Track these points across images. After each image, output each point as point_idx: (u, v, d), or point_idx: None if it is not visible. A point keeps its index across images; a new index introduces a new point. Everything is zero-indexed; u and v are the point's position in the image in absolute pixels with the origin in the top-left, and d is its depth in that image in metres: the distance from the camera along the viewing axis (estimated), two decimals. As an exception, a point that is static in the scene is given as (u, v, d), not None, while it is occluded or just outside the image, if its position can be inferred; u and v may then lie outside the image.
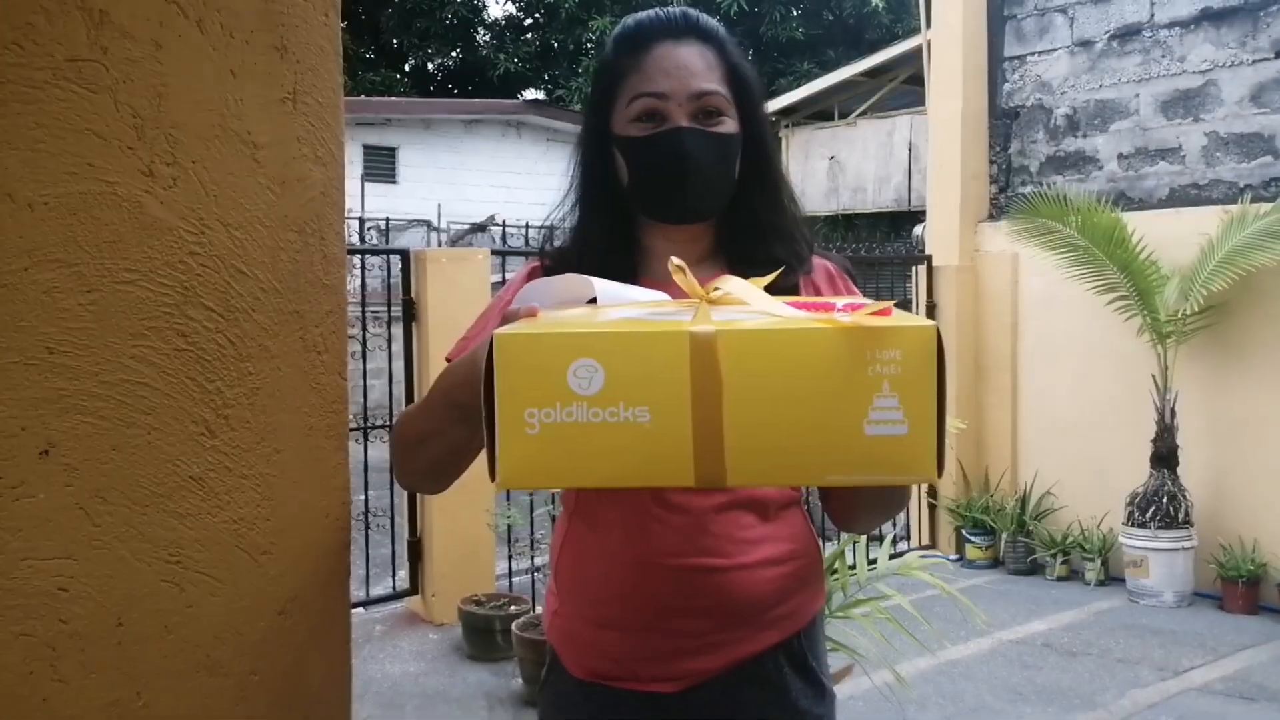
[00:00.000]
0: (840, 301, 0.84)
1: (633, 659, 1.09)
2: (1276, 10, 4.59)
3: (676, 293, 1.15)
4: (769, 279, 0.94)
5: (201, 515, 0.99)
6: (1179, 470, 4.54)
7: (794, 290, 1.14)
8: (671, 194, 1.12)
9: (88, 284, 0.93)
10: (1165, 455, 4.53)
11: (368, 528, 3.65)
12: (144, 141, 0.95)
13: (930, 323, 0.76)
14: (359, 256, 3.82)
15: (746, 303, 0.86)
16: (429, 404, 1.08)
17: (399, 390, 3.97)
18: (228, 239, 1.01)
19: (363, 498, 3.65)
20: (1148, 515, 4.50)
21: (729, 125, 1.11)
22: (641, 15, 1.15)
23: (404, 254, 3.64)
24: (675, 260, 0.91)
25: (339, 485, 1.10)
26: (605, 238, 1.16)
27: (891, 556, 3.00)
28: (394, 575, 3.80)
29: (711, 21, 1.15)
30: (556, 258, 1.19)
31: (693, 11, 1.15)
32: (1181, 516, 4.48)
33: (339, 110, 1.10)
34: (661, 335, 0.78)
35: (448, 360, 1.20)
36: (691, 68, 1.10)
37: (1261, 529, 4.50)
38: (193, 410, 0.99)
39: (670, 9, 1.15)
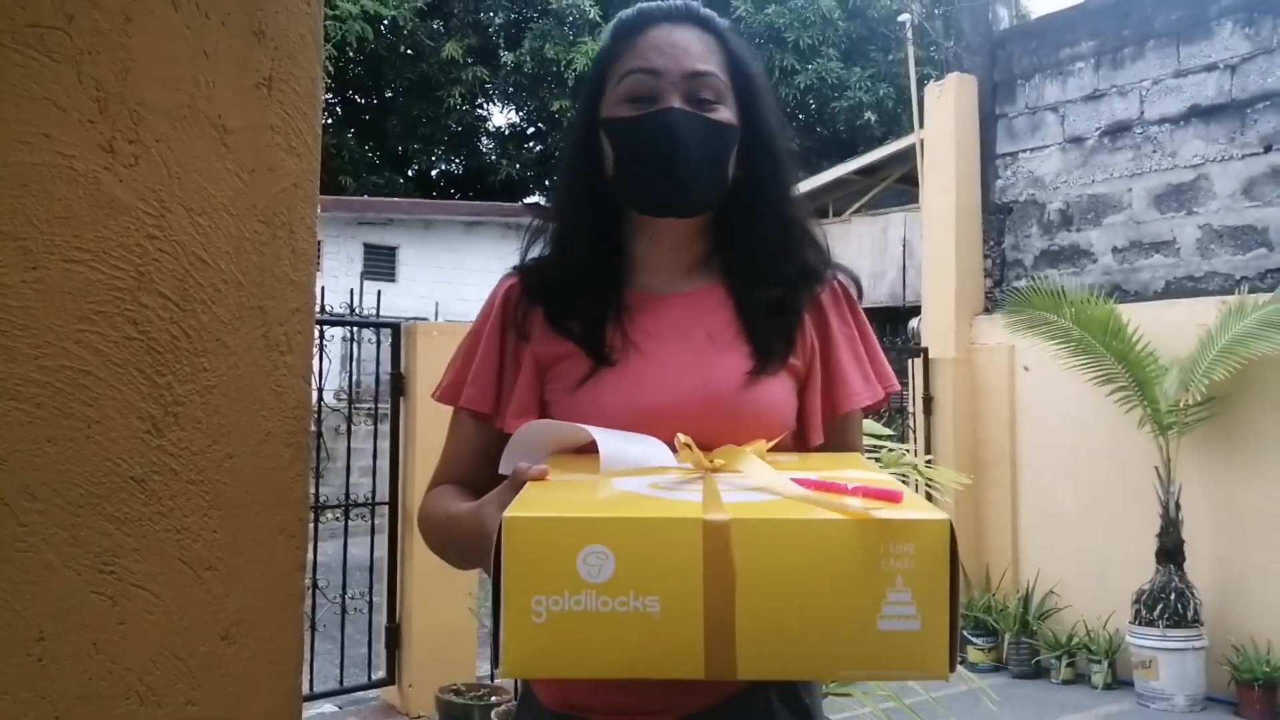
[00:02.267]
0: (850, 482, 0.81)
1: (610, 689, 0.98)
2: (1263, 107, 4.67)
3: (662, 309, 1.08)
4: (766, 447, 0.93)
5: (142, 521, 0.90)
6: (1185, 566, 4.41)
7: (800, 310, 1.06)
8: (658, 180, 1.02)
9: (34, 260, 0.86)
10: (1171, 550, 4.40)
11: (344, 612, 3.49)
12: (106, 116, 0.90)
13: (944, 516, 0.76)
14: (350, 329, 3.76)
15: (748, 475, 0.85)
16: (441, 535, 1.03)
17: (384, 461, 3.86)
18: (190, 224, 0.95)
19: (340, 580, 3.51)
20: (1155, 613, 4.35)
21: (725, 114, 1.04)
22: (643, 3, 1.10)
23: (394, 326, 3.59)
24: (682, 437, 0.89)
25: (297, 498, 1.01)
26: (588, 244, 1.08)
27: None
28: (370, 664, 3.63)
29: (715, 14, 1.09)
30: (534, 270, 1.12)
31: (695, 2, 1.10)
32: (1191, 615, 4.33)
33: (317, 100, 1.05)
34: (674, 522, 0.77)
35: (435, 398, 1.13)
36: (688, 48, 1.03)
37: (1275, 629, 4.34)
38: (139, 405, 0.91)
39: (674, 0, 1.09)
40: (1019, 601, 5.18)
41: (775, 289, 1.05)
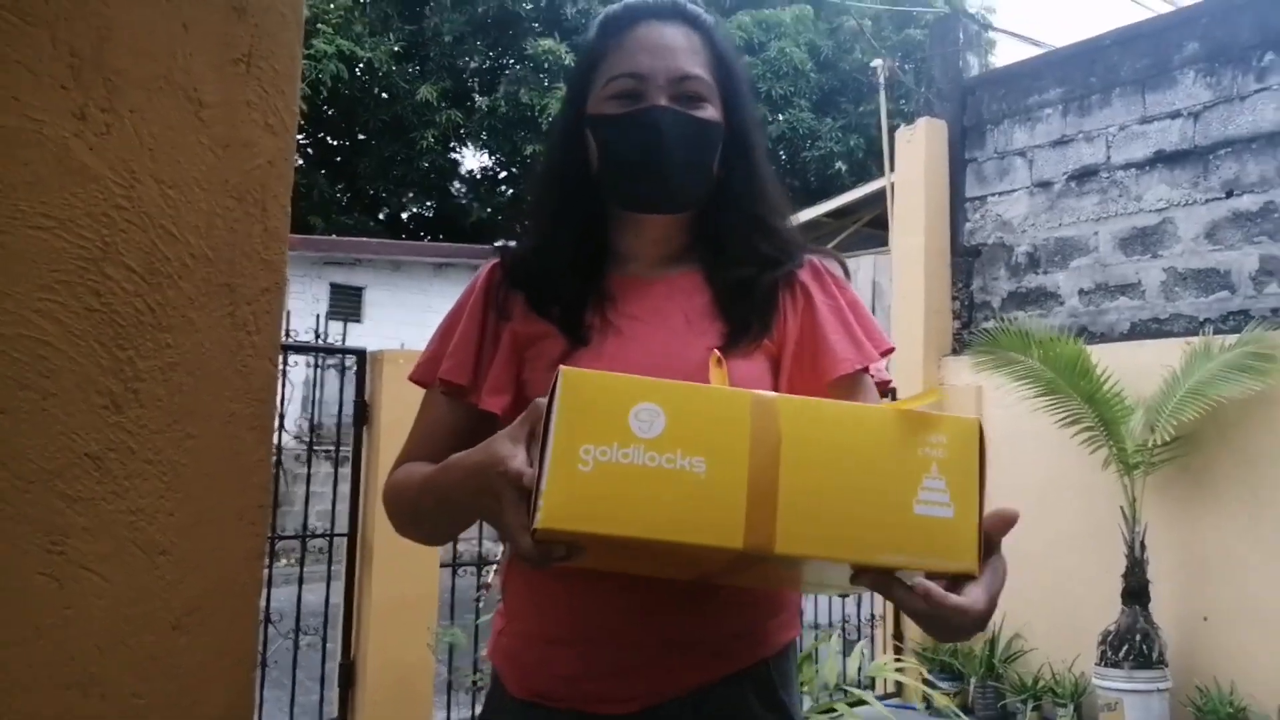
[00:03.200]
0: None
1: (581, 677, 0.95)
2: (1225, 153, 4.78)
3: (642, 294, 1.07)
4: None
5: (95, 501, 0.86)
6: (1151, 607, 4.41)
7: (774, 291, 1.06)
8: (643, 178, 1.03)
9: (-6, 224, 0.83)
10: (1136, 591, 4.41)
11: (297, 647, 3.38)
12: (79, 83, 0.88)
13: (975, 417, 0.80)
14: (314, 355, 3.70)
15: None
16: (424, 492, 1.00)
17: (344, 506, 3.78)
18: (159, 196, 0.92)
19: (295, 604, 3.40)
20: (1120, 654, 4.34)
21: (711, 112, 1.05)
22: (629, 0, 1.10)
23: (360, 353, 3.54)
24: (716, 353, 0.89)
25: (258, 484, 0.98)
26: (572, 231, 1.08)
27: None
28: (322, 706, 3.51)
29: (699, 9, 1.10)
30: (519, 258, 1.11)
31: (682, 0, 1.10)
32: (1156, 656, 4.33)
33: (295, 79, 1.03)
34: (726, 392, 0.80)
35: (412, 379, 1.12)
36: (675, 48, 1.04)
37: (1238, 670, 4.34)
38: (99, 379, 0.88)
39: None
40: (985, 645, 5.16)
41: (748, 270, 1.05)
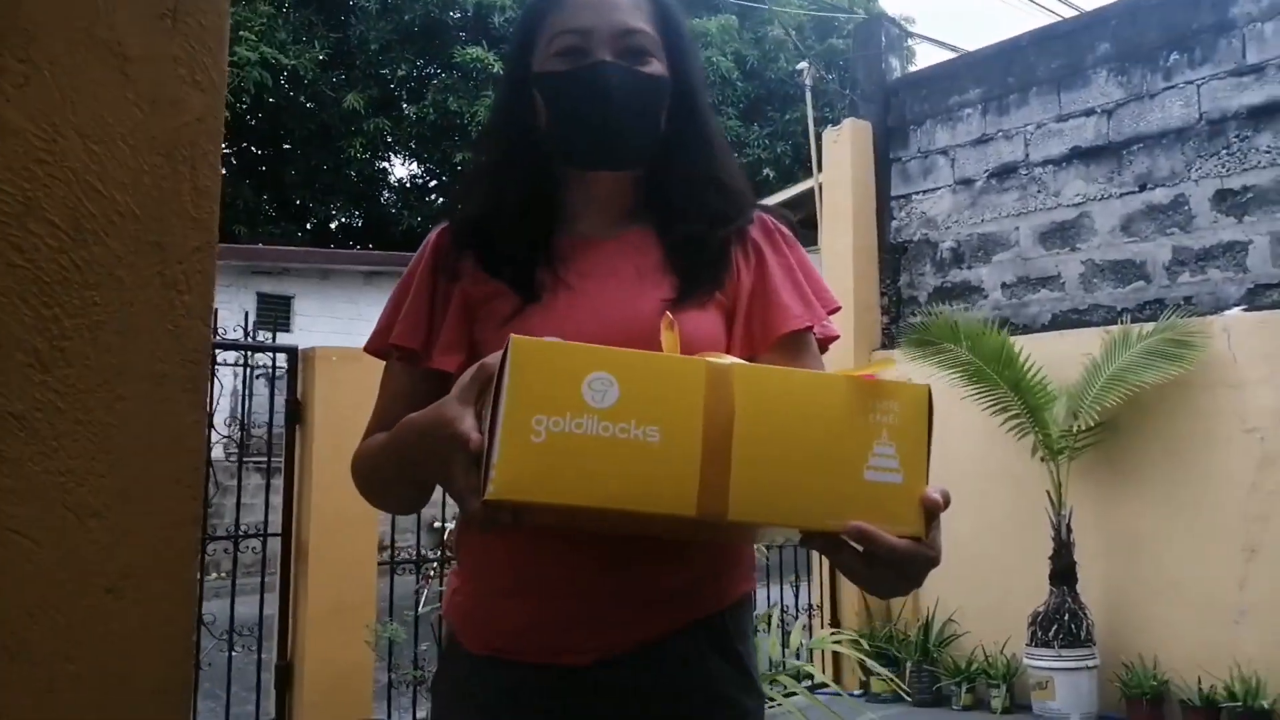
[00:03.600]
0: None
1: (537, 629, 0.95)
2: (1137, 149, 4.96)
3: (593, 252, 1.08)
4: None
5: (22, 462, 0.84)
6: (1078, 588, 4.54)
7: (726, 246, 1.07)
8: (591, 132, 1.03)
9: (-94, 176, 0.80)
10: (1063, 572, 4.54)
11: (231, 648, 3.31)
12: (-7, 33, 0.85)
13: (924, 384, 0.82)
14: (243, 353, 3.63)
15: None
16: (383, 456, 1.01)
17: (276, 516, 3.70)
18: (84, 151, 0.90)
19: (228, 612, 3.33)
20: (1050, 634, 4.46)
21: (656, 67, 1.05)
22: None
23: (291, 351, 3.48)
24: (669, 315, 0.89)
25: (193, 447, 0.95)
26: (521, 191, 1.08)
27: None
28: (258, 705, 3.44)
29: None
30: (468, 221, 1.11)
31: None
32: (1084, 635, 4.46)
33: (223, 35, 1.01)
34: (680, 360, 0.80)
35: (366, 349, 1.12)
36: (618, 4, 1.04)
37: (1161, 646, 4.50)
38: (23, 337, 0.85)
39: None
40: (920, 630, 5.25)
41: (698, 225, 1.05)
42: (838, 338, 1.13)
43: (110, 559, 0.88)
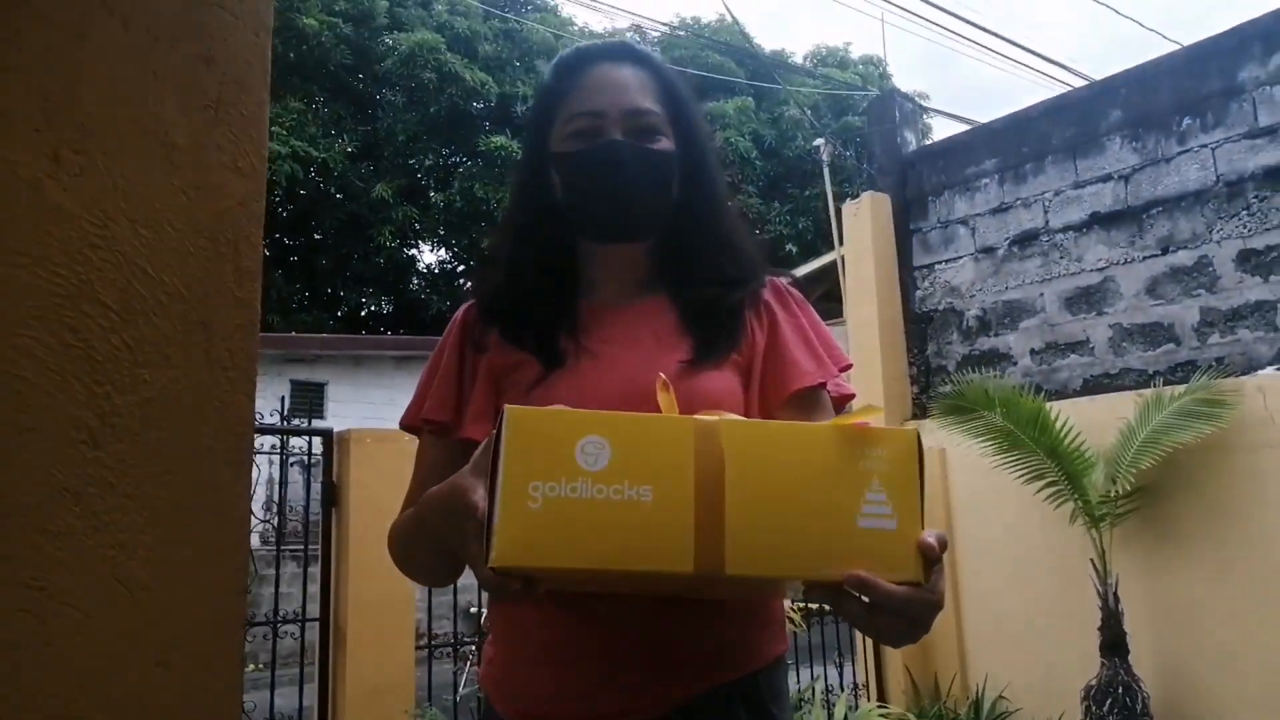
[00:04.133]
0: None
1: (569, 695, 0.95)
2: (1157, 212, 4.97)
3: (612, 318, 1.11)
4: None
5: (75, 536, 0.86)
6: (1130, 659, 4.41)
7: (740, 308, 1.10)
8: (606, 208, 1.09)
9: (-29, 262, 0.84)
10: (1114, 643, 4.41)
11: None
12: (52, 126, 0.90)
13: (912, 428, 0.84)
14: (279, 437, 3.67)
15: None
16: (410, 527, 1.05)
17: (314, 606, 3.70)
18: (133, 236, 0.94)
19: (268, 703, 3.30)
20: (1105, 708, 4.32)
21: (665, 143, 1.10)
22: (581, 44, 1.17)
23: (326, 434, 3.52)
24: (662, 376, 0.91)
25: (238, 519, 0.97)
26: (540, 264, 1.12)
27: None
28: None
29: (647, 50, 1.17)
30: (489, 296, 1.15)
31: (630, 41, 1.17)
32: (1140, 708, 4.31)
33: (263, 125, 1.07)
34: (669, 419, 0.82)
35: (400, 425, 1.15)
36: (627, 85, 1.10)
37: (1221, 717, 4.34)
38: (77, 414, 0.88)
39: (608, 40, 1.17)
40: (970, 708, 5.10)
41: (712, 289, 1.09)
42: (854, 396, 1.15)
43: (159, 631, 0.90)
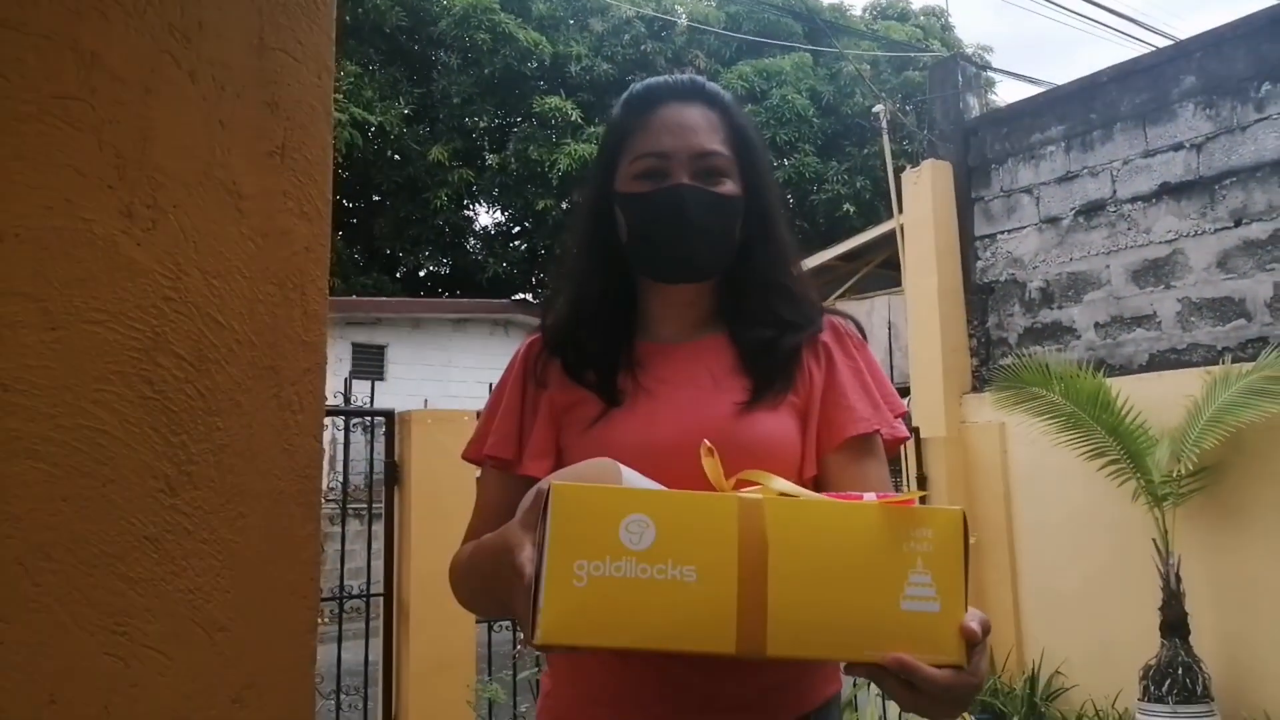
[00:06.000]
0: (869, 495, 0.87)
1: None
2: (1230, 183, 4.82)
3: (671, 357, 1.12)
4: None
5: (155, 581, 0.90)
6: (1191, 639, 4.36)
7: (797, 351, 1.10)
8: (669, 251, 1.09)
9: (53, 321, 0.87)
10: (1175, 623, 4.36)
11: (339, 707, 3.40)
12: (125, 182, 0.93)
13: (958, 507, 0.82)
14: (343, 418, 3.76)
15: (775, 489, 0.88)
16: (466, 568, 1.07)
17: (379, 562, 3.80)
18: (205, 286, 0.97)
19: (336, 672, 3.42)
20: (1164, 689, 4.28)
21: (730, 187, 1.10)
22: (650, 79, 1.16)
23: (388, 414, 3.60)
24: (707, 443, 0.91)
25: (309, 558, 1.01)
26: (602, 300, 1.13)
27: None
28: (363, 761, 3.52)
29: (718, 87, 1.16)
30: (555, 329, 1.16)
31: (700, 77, 1.17)
32: (1200, 689, 4.26)
33: (327, 168, 1.08)
34: (712, 498, 0.82)
35: (464, 458, 1.17)
36: (695, 127, 1.10)
37: (1285, 701, 4.28)
38: (154, 464, 0.91)
39: (678, 75, 1.17)
40: (1025, 683, 5.09)
41: (769, 331, 1.09)
42: (907, 439, 1.15)
43: (235, 670, 0.94)
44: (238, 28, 1.02)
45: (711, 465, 0.89)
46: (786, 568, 0.78)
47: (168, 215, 0.95)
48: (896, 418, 1.12)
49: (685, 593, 0.77)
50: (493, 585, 0.94)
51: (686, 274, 1.12)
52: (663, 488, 0.92)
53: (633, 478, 0.91)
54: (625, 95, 1.17)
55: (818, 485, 1.09)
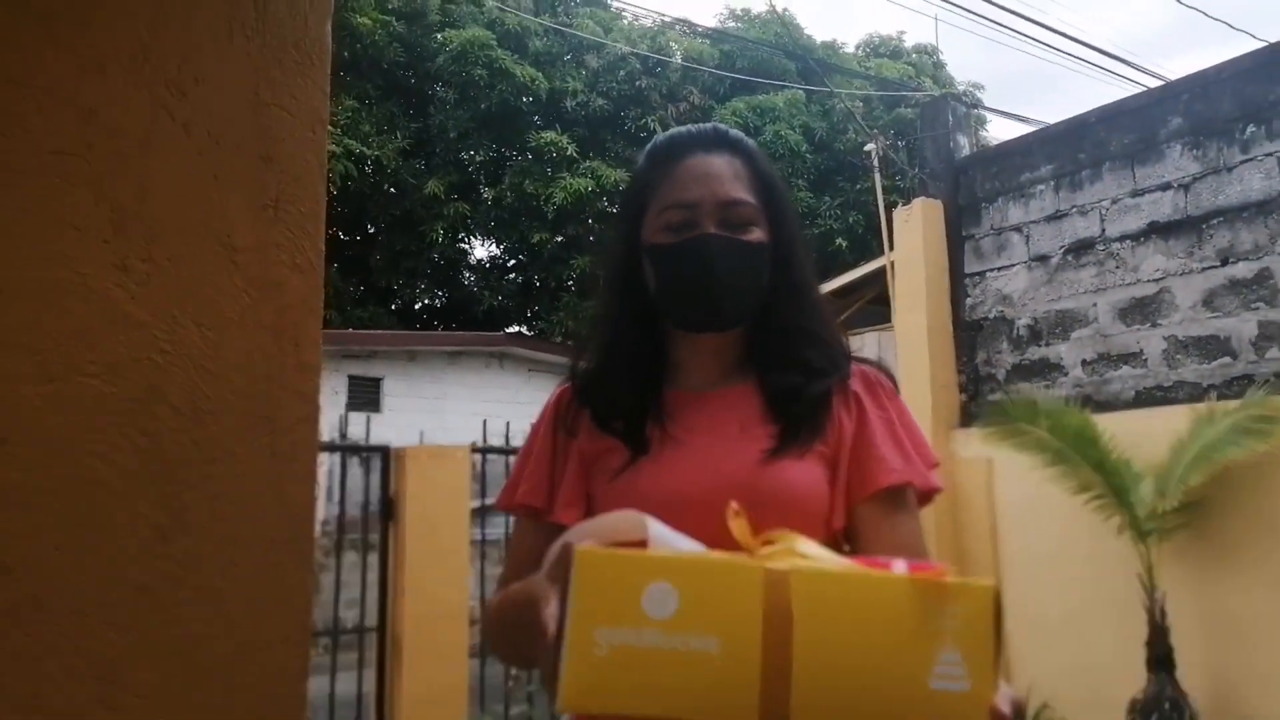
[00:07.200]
0: (898, 563, 0.85)
1: None
2: (1217, 223, 4.87)
3: (699, 406, 1.13)
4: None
5: (147, 630, 0.91)
6: (1177, 674, 4.36)
7: (827, 396, 1.11)
8: (697, 301, 1.11)
9: (49, 374, 0.89)
10: (1161, 658, 4.36)
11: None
12: (121, 236, 0.95)
13: (990, 582, 0.78)
14: (338, 454, 3.77)
15: (802, 553, 0.86)
16: (497, 617, 1.07)
17: (373, 593, 3.79)
18: (200, 338, 0.99)
19: (329, 705, 3.41)
20: (1153, 725, 4.27)
21: (758, 234, 1.12)
22: (674, 129, 1.18)
23: (384, 450, 3.61)
24: (734, 505, 0.90)
25: (301, 606, 1.02)
26: (632, 350, 1.15)
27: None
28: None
29: (741, 135, 1.17)
30: (585, 378, 1.18)
31: (723, 125, 1.18)
32: (1188, 726, 4.26)
33: (320, 221, 1.11)
34: (737, 566, 0.80)
35: (497, 507, 1.19)
36: (721, 176, 1.11)
37: (1274, 739, 4.27)
38: (148, 513, 0.93)
39: (701, 124, 1.18)
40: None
41: (797, 378, 1.10)
42: (940, 490, 1.13)
43: (229, 717, 0.95)
44: (233, 83, 1.05)
45: (739, 526, 0.88)
46: (812, 643, 0.76)
47: (163, 268, 0.97)
48: (930, 469, 1.11)
49: (707, 665, 0.75)
50: (517, 637, 0.95)
51: (715, 323, 1.12)
52: (692, 542, 0.91)
53: (660, 530, 0.90)
54: (649, 147, 1.19)
55: (847, 537, 1.09)
